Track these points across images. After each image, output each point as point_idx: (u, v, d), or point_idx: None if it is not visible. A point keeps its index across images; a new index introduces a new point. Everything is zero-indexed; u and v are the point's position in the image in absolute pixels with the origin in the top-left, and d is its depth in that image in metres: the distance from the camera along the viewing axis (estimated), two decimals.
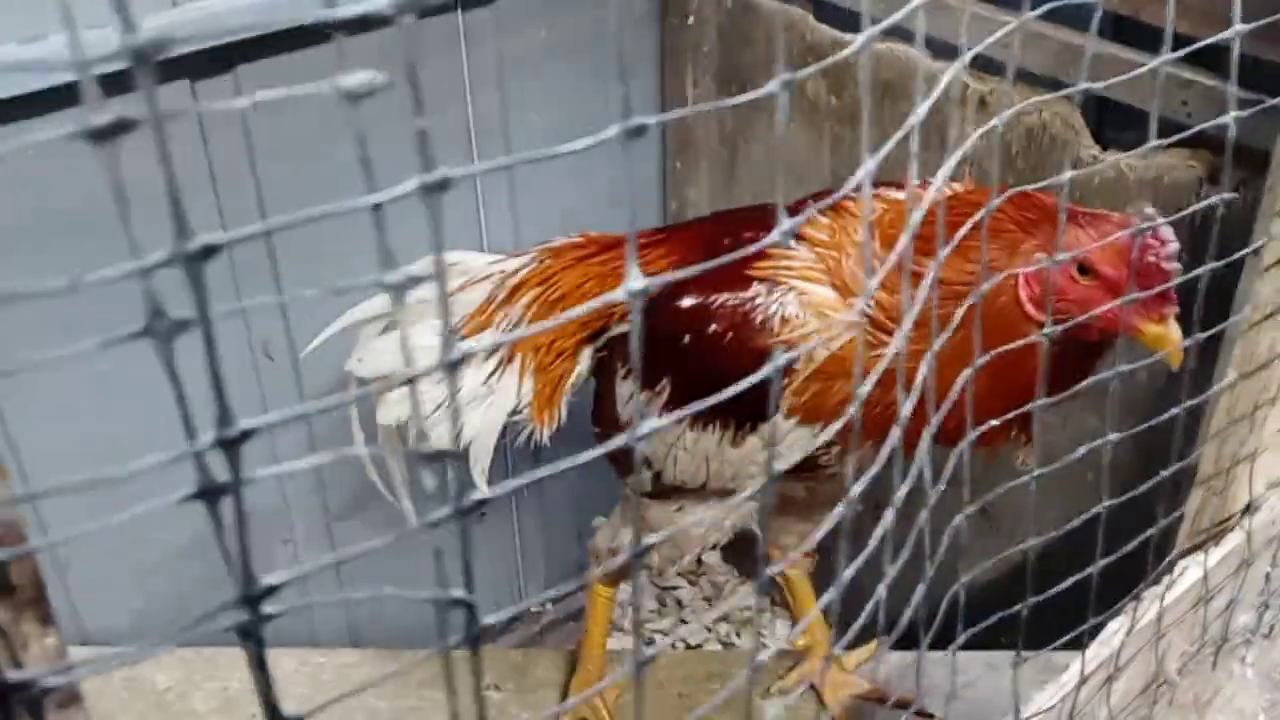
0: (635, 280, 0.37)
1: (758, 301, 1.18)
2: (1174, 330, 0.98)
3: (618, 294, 0.36)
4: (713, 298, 1.23)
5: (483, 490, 1.57)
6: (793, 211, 1.37)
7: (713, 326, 1.21)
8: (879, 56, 1.82)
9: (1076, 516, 0.84)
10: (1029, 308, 1.07)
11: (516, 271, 1.47)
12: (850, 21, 1.89)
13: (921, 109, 0.61)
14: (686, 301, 1.25)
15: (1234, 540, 0.94)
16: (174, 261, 0.30)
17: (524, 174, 2.04)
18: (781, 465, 1.27)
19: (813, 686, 1.62)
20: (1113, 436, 0.74)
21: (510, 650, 1.75)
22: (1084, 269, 1.04)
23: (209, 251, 0.30)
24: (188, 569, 1.75)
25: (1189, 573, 0.91)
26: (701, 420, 1.28)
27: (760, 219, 1.33)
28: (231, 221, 1.70)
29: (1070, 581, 0.79)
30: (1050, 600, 0.81)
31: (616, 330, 1.37)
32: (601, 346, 1.41)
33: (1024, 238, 1.08)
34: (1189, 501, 0.96)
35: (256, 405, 1.80)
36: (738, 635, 2.27)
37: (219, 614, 0.36)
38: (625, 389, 1.36)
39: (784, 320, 1.17)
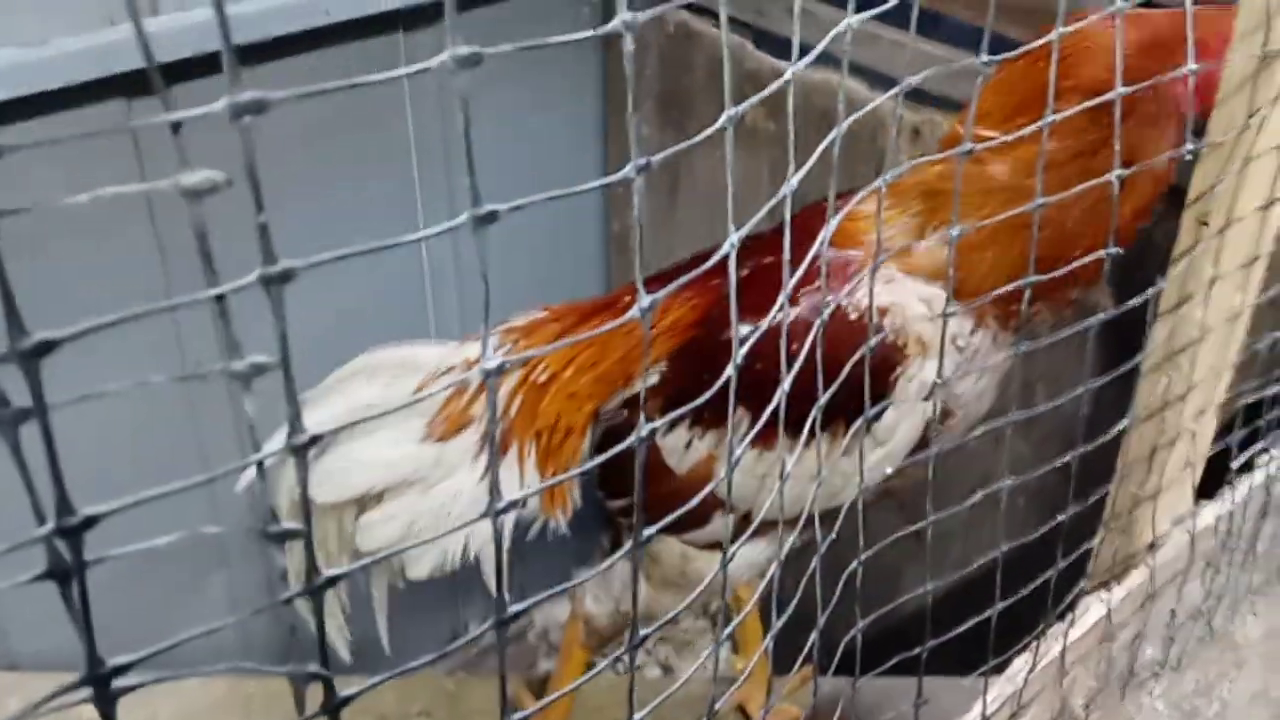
0: (489, 360, 0.38)
1: (845, 303, 1.13)
2: None
3: (472, 374, 0.37)
4: (794, 313, 1.14)
5: (498, 593, 1.45)
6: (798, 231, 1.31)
7: (797, 342, 1.10)
8: (815, 86, 1.85)
9: (1009, 537, 0.86)
10: (1183, 105, 1.04)
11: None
12: (788, 48, 1.91)
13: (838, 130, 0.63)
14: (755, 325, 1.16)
15: (1138, 577, 0.96)
16: (9, 359, 0.30)
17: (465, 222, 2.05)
18: (897, 463, 1.18)
19: (744, 712, 1.63)
20: (1008, 482, 0.75)
21: (443, 677, 1.75)
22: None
23: (46, 347, 0.30)
24: (115, 593, 1.74)
25: (1092, 610, 0.93)
26: (805, 436, 1.19)
27: (772, 245, 1.25)
28: (171, 247, 1.68)
29: (972, 623, 0.81)
30: (975, 624, 0.83)
31: (640, 387, 1.27)
32: (621, 406, 1.30)
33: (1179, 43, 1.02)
34: (1095, 539, 0.98)
35: (190, 433, 1.79)
36: (678, 657, 2.28)
37: (72, 691, 0.37)
38: (673, 440, 1.26)
39: (882, 310, 1.12)
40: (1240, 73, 0.78)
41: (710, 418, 1.21)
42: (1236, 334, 0.92)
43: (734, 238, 0.48)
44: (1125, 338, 0.94)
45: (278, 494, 1.31)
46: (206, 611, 1.99)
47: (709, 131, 0.52)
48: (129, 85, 1.62)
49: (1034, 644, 0.89)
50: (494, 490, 0.41)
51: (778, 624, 0.81)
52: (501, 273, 2.05)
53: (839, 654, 0.92)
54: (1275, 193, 0.86)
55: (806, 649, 0.86)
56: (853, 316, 1.12)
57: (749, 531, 0.76)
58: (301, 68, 1.79)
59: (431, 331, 2.10)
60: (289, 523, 0.36)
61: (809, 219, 1.33)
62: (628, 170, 0.41)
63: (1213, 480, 1.05)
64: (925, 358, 1.13)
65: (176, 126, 0.32)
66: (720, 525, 1.28)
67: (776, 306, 0.67)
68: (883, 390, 1.14)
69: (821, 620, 0.88)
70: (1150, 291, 0.78)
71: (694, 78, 2.08)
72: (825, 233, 0.65)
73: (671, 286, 0.48)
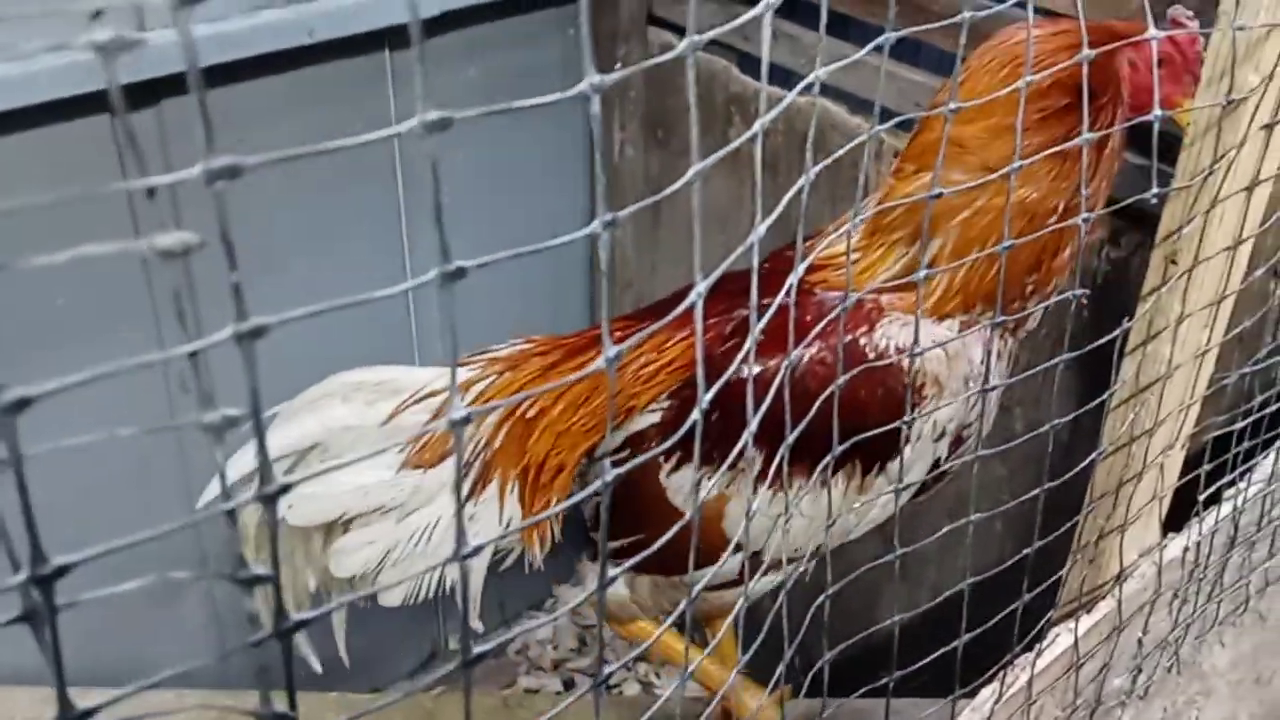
0: (456, 410, 0.39)
1: (862, 342, 1.15)
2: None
3: (439, 425, 0.38)
4: (815, 351, 1.15)
5: (475, 626, 1.41)
6: (774, 264, 1.23)
7: (812, 382, 1.12)
8: (799, 109, 1.86)
9: (984, 561, 0.88)
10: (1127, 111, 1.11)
11: (469, 385, 1.30)
12: (772, 73, 1.93)
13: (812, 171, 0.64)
14: (773, 363, 1.14)
15: (1105, 608, 0.97)
16: None
17: (455, 243, 2.04)
18: (909, 489, 1.22)
19: None
20: (976, 517, 0.76)
21: (421, 695, 1.75)
22: (1160, 61, 1.09)
23: (22, 404, 0.31)
24: (96, 606, 1.74)
25: (1060, 640, 0.95)
26: (821, 476, 1.16)
27: (769, 282, 1.20)
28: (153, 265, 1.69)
29: (941, 652, 0.82)
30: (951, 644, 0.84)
31: (644, 422, 1.25)
32: (624, 444, 1.27)
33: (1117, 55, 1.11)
34: (1065, 569, 0.99)
35: (171, 439, 1.79)
36: (657, 676, 2.28)
37: None
38: (679, 480, 1.24)
39: (900, 349, 1.13)
40: (1206, 118, 0.80)
41: (719, 457, 1.17)
42: (1204, 370, 0.94)
43: (701, 286, 0.49)
44: (1103, 362, 0.96)
45: (246, 520, 1.30)
46: (185, 620, 1.99)
47: (688, 176, 0.53)
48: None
49: (1002, 672, 0.91)
50: (460, 534, 0.42)
51: (750, 650, 0.82)
52: (481, 292, 2.06)
53: (810, 676, 0.93)
54: (1242, 233, 0.87)
55: (778, 673, 0.87)
56: (871, 358, 1.13)
57: (761, 569, 0.77)
58: (287, 85, 1.80)
59: (415, 348, 2.10)
60: (258, 565, 0.37)
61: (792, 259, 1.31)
62: (594, 226, 0.42)
63: (1181, 511, 1.06)
64: (940, 397, 1.16)
65: (151, 191, 0.33)
66: (727, 566, 1.24)
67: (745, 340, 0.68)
68: (898, 433, 1.15)
69: (790, 650, 0.89)
70: (1118, 330, 0.79)
71: (679, 99, 2.09)
72: (796, 276, 0.66)
73: (637, 337, 0.49)
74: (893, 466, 1.19)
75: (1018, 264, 1.11)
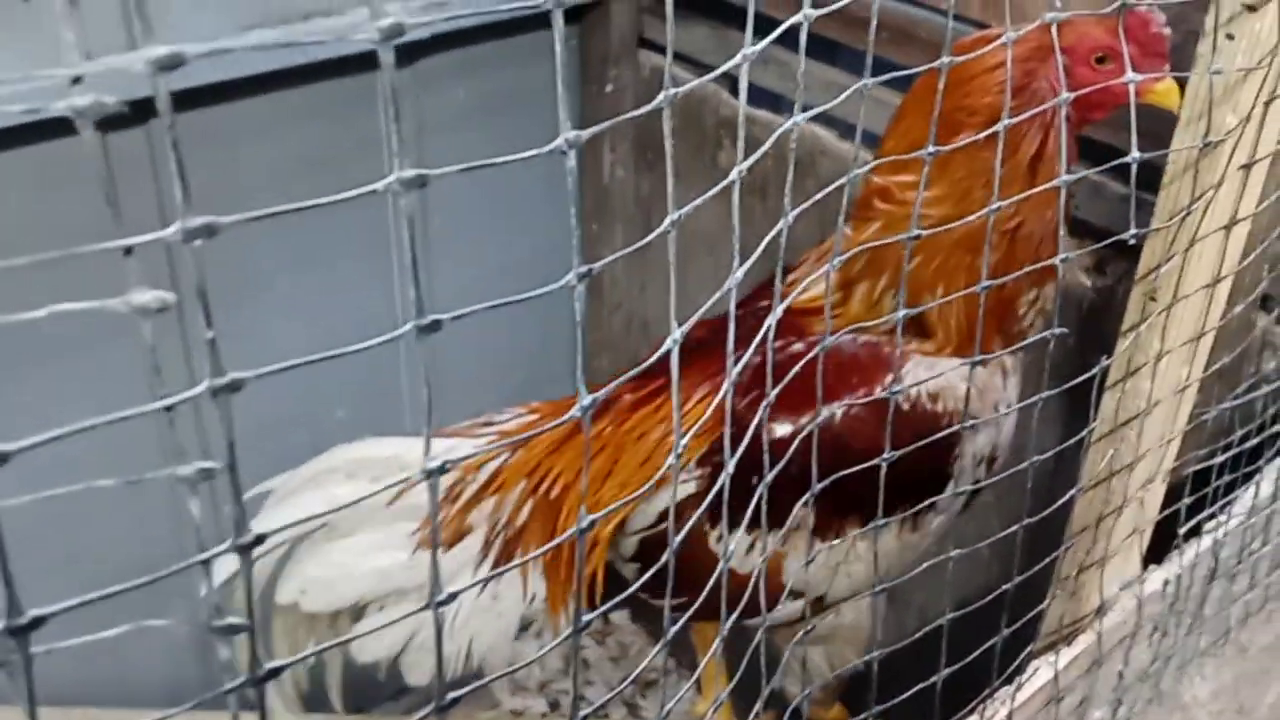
0: (431, 461, 0.39)
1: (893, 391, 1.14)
2: (1173, 83, 1.03)
3: (413, 473, 0.39)
4: (847, 406, 1.13)
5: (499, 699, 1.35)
6: (770, 304, 1.27)
7: (852, 440, 1.10)
8: (787, 132, 1.87)
9: (973, 588, 0.88)
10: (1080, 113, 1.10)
11: (480, 464, 1.27)
12: (761, 97, 1.94)
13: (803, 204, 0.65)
14: (804, 420, 1.10)
15: (1086, 641, 0.98)
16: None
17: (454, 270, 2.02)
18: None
19: None
20: (955, 553, 0.77)
21: (398, 718, 1.75)
22: (1101, 59, 1.07)
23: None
24: (82, 623, 1.73)
25: (1040, 673, 0.95)
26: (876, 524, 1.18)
27: (745, 330, 1.17)
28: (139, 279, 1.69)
29: (918, 688, 0.82)
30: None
31: (679, 493, 1.19)
32: (658, 520, 1.24)
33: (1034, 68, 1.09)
34: (1045, 603, 1.00)
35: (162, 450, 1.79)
36: (642, 697, 2.28)
37: None
38: (732, 544, 1.18)
39: (933, 396, 1.13)
40: (1185, 158, 0.81)
41: (769, 519, 1.16)
42: (1184, 406, 0.95)
43: (676, 333, 0.50)
44: (1089, 388, 0.96)
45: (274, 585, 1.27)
46: (171, 633, 1.97)
47: (664, 226, 0.54)
48: (104, 120, 1.62)
49: (981, 706, 0.91)
50: (434, 582, 0.42)
51: (736, 676, 0.82)
52: (468, 320, 2.06)
53: (792, 708, 0.93)
54: (1221, 271, 0.88)
55: (758, 707, 0.88)
56: (905, 407, 1.13)
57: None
58: (278, 105, 1.81)
59: (405, 407, 2.07)
60: (235, 618, 0.38)
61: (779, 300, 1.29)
62: (569, 277, 0.43)
63: (1162, 544, 1.07)
64: (976, 431, 1.16)
65: (129, 250, 0.33)
66: (786, 610, 1.23)
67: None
68: (946, 470, 1.17)
69: (776, 676, 0.90)
70: (1097, 369, 0.80)
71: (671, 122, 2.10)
72: (774, 317, 0.66)
73: (611, 387, 0.49)
74: (939, 500, 1.19)
75: (999, 293, 1.12)
